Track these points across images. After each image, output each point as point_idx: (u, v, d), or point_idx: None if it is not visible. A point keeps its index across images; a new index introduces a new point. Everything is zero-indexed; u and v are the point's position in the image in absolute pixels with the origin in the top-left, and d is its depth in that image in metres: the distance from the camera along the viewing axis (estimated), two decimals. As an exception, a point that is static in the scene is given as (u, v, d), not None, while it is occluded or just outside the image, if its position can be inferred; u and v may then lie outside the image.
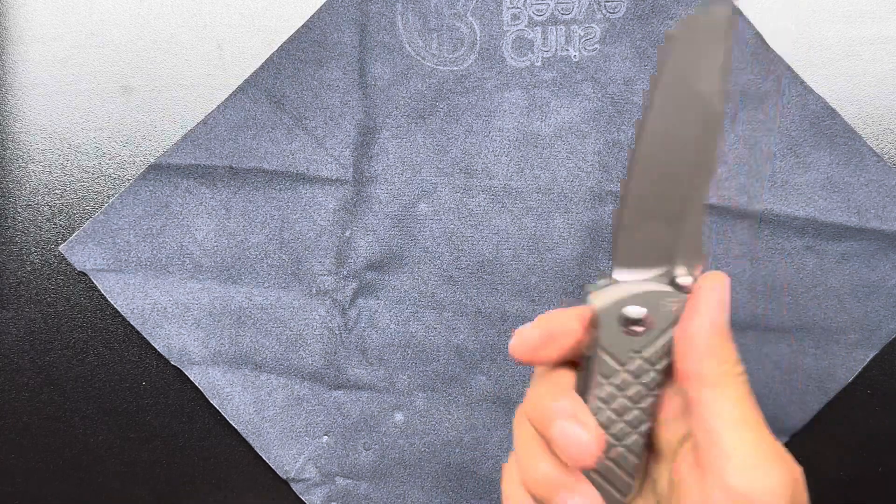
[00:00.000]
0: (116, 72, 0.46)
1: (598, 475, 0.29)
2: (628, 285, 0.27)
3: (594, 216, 0.44)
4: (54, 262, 0.47)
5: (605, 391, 0.28)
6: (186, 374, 0.46)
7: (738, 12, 0.27)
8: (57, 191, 0.47)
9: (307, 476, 0.46)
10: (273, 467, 0.46)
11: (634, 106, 0.44)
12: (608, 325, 0.27)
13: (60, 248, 0.46)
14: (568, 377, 0.28)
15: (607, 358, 0.27)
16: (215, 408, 0.46)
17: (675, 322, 0.27)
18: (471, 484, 0.46)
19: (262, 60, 0.45)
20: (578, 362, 0.29)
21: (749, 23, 0.43)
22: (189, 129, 0.45)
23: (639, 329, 0.27)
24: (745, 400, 0.26)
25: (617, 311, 0.27)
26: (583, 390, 0.28)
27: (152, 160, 0.46)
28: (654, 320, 0.27)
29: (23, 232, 0.47)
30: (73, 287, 0.47)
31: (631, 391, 0.28)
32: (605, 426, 0.28)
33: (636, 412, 0.28)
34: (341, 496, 0.46)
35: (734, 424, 0.25)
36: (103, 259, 0.46)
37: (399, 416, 0.46)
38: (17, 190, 0.47)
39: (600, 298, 0.27)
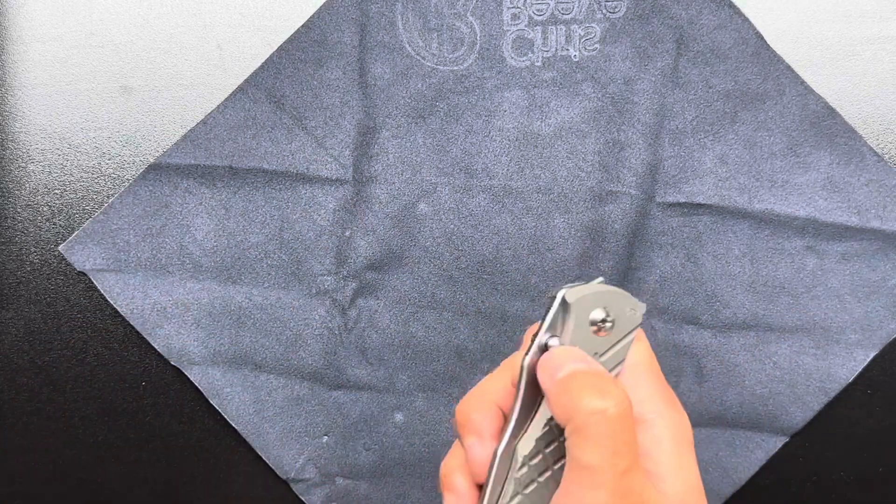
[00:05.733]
0: (116, 72, 0.46)
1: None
2: (597, 286, 0.28)
3: (594, 216, 0.44)
4: (54, 262, 0.47)
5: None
6: (186, 374, 0.46)
7: None
8: (57, 191, 0.47)
9: (307, 476, 0.46)
10: (273, 467, 0.46)
11: (634, 106, 0.44)
12: (579, 324, 0.27)
13: (60, 248, 0.46)
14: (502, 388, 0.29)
15: None
16: (215, 408, 0.46)
17: (634, 329, 0.28)
18: (471, 484, 0.46)
19: (262, 60, 0.45)
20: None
21: (749, 23, 0.43)
22: (189, 129, 0.45)
23: (605, 329, 0.27)
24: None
25: (589, 308, 0.27)
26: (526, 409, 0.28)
27: (152, 160, 0.46)
28: (617, 323, 0.28)
29: (23, 232, 0.47)
30: (73, 287, 0.47)
31: None
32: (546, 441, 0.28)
33: None
34: (341, 496, 0.46)
35: None
36: (103, 259, 0.46)
37: (399, 417, 0.46)
38: (17, 190, 0.47)
39: (573, 295, 0.27)
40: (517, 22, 0.44)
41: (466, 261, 0.45)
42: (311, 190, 0.45)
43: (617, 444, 0.25)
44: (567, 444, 0.26)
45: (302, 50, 0.45)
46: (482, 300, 0.45)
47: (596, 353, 0.28)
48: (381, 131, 0.45)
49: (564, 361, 0.26)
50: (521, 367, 0.27)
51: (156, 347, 0.46)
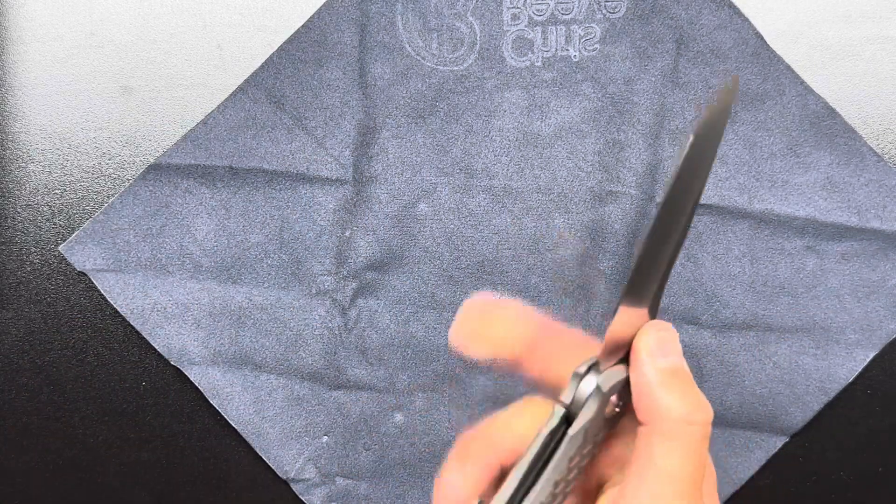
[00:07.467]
0: (116, 72, 0.46)
1: None
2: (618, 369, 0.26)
3: (594, 216, 0.44)
4: (54, 262, 0.47)
5: (560, 472, 0.26)
6: (186, 374, 0.46)
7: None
8: (57, 191, 0.47)
9: (307, 476, 0.46)
10: (273, 467, 0.46)
11: (634, 106, 0.44)
12: (601, 408, 0.26)
13: (60, 248, 0.46)
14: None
15: (582, 441, 0.26)
16: (215, 408, 0.46)
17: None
18: (471, 484, 0.46)
19: (262, 60, 0.45)
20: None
21: (749, 23, 0.43)
22: (189, 129, 0.45)
23: (618, 408, 0.26)
24: (689, 457, 0.25)
25: (611, 394, 0.26)
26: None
27: (152, 160, 0.46)
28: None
29: (23, 232, 0.47)
30: (73, 287, 0.47)
31: (582, 463, 0.26)
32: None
33: (572, 484, 0.26)
34: (341, 496, 0.46)
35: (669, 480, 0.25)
36: (103, 259, 0.46)
37: (399, 417, 0.46)
38: (17, 190, 0.47)
39: (606, 382, 0.26)
40: (517, 22, 0.44)
41: (466, 261, 0.45)
42: (311, 190, 0.45)
43: (702, 457, 0.25)
44: (645, 442, 0.25)
45: (302, 50, 0.45)
46: (482, 300, 0.45)
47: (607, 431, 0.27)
48: (381, 131, 0.45)
49: (670, 351, 0.25)
50: (538, 437, 0.26)
51: (156, 347, 0.46)
